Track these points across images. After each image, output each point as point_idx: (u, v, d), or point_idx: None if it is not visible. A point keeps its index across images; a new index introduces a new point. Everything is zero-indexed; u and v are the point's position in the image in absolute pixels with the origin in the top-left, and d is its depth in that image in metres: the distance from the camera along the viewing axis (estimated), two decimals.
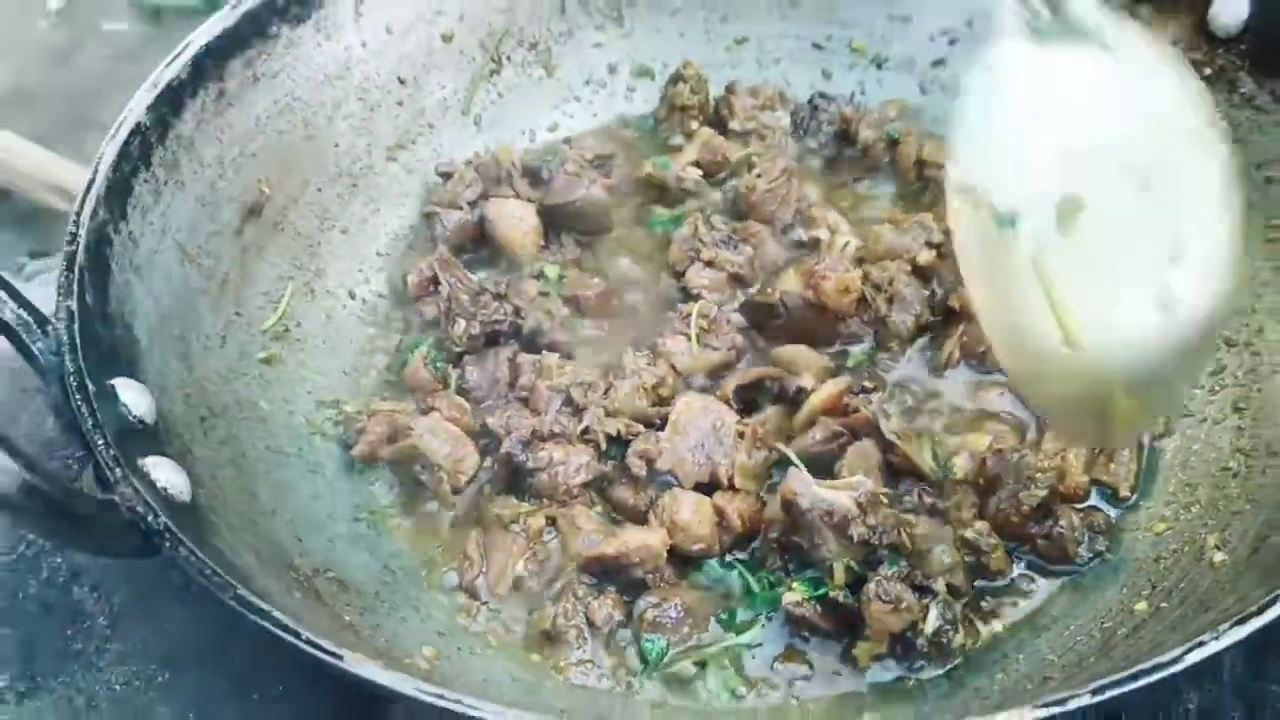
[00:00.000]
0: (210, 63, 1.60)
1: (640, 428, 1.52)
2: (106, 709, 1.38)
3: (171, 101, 1.56)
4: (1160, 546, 1.42)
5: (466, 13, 1.85)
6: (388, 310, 1.74)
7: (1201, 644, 1.09)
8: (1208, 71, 1.63)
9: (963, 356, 1.61)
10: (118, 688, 1.39)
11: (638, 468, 1.48)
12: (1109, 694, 1.05)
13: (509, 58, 1.89)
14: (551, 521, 1.47)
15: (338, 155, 1.77)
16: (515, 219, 1.75)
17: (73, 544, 1.35)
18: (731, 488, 1.48)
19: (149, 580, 1.44)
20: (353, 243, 1.77)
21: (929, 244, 1.66)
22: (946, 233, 1.67)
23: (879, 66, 1.92)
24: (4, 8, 2.35)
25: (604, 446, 1.51)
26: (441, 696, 1.03)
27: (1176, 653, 1.08)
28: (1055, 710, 1.03)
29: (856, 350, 1.64)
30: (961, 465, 1.48)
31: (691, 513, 1.44)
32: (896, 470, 1.48)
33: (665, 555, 1.42)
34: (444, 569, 1.48)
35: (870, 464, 1.47)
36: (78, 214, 1.40)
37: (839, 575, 1.34)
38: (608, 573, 1.43)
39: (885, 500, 1.37)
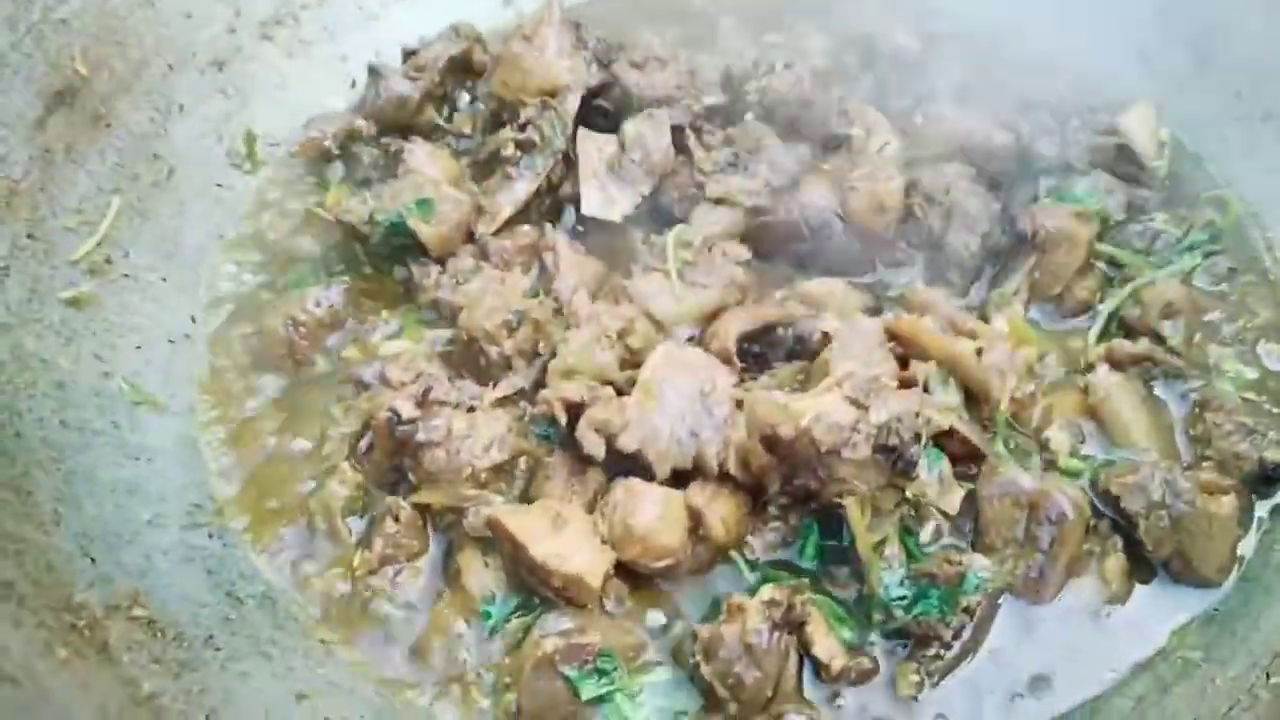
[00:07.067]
0: None
1: (609, 391, 1.05)
2: None
3: None
4: None
5: None
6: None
7: None
8: None
9: (1032, 299, 1.16)
10: None
11: (592, 445, 1.01)
12: None
13: None
14: (456, 512, 1.03)
15: (189, 29, 1.30)
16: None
17: None
18: (721, 478, 1.01)
19: None
20: (211, 150, 1.30)
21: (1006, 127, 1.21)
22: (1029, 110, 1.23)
23: None
24: None
25: (525, 415, 1.07)
26: None
27: None
28: None
29: (900, 280, 1.19)
30: (1058, 440, 1.04)
31: (655, 516, 0.98)
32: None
33: (597, 592, 0.98)
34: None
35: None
36: None
37: (855, 518, 0.95)
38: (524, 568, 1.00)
39: (895, 382, 0.97)
